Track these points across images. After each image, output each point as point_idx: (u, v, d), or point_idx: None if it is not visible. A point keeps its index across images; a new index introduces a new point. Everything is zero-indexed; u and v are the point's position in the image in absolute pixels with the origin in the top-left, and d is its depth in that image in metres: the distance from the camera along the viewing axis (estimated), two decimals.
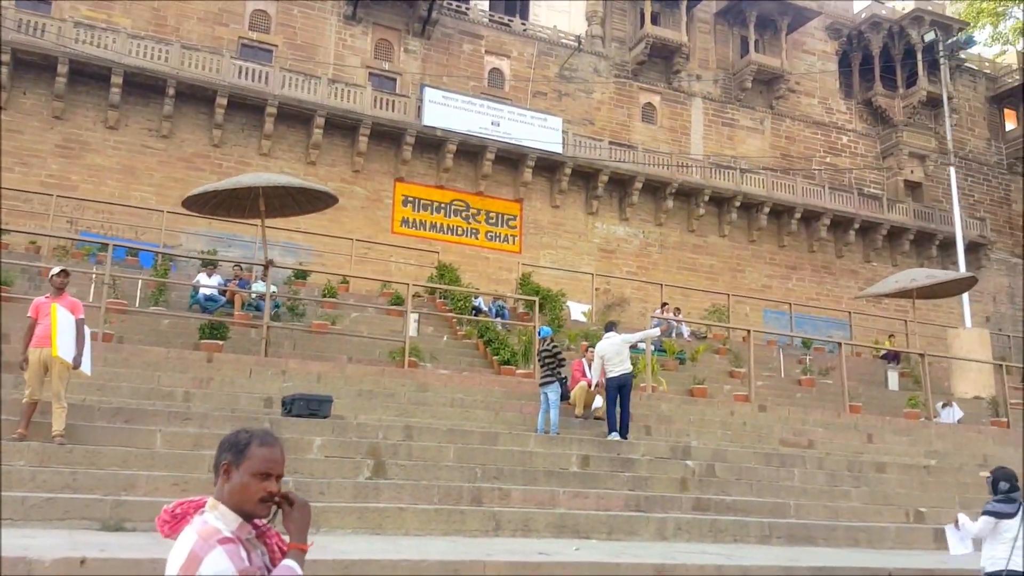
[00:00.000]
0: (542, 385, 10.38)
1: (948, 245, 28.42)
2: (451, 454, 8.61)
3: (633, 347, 15.10)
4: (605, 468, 9.16)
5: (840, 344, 15.98)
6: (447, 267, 18.77)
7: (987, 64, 35.73)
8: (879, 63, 31.76)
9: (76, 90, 20.75)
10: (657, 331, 11.63)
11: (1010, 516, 5.28)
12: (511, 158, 24.85)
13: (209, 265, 14.86)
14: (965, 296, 21.50)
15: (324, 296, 15.79)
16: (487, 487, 8.03)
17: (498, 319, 16.70)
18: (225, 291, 14.07)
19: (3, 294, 11.25)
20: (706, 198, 27.12)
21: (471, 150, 24.34)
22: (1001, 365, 16.37)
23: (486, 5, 27.34)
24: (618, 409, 10.16)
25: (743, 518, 8.46)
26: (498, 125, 24.13)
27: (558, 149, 24.82)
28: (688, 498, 8.78)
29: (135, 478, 6.94)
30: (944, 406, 15.96)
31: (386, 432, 8.88)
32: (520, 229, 25.35)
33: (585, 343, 13.36)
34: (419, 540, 6.71)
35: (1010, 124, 34.83)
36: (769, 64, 29.62)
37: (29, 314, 7.51)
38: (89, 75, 20.60)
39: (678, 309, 21.49)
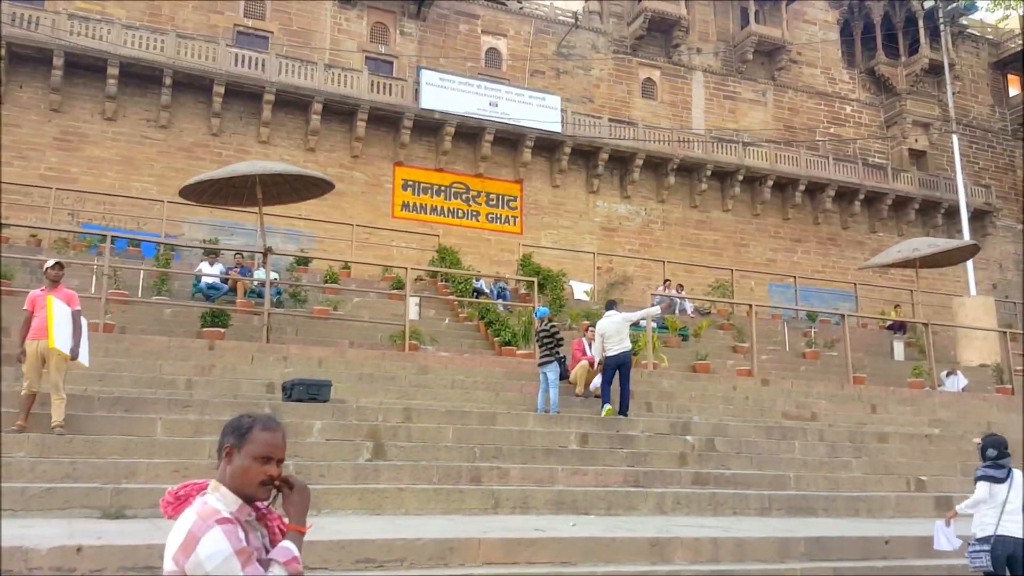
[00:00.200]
0: (541, 365, 10.42)
1: (953, 213, 28.22)
2: (450, 434, 8.66)
3: (635, 325, 15.19)
4: (604, 445, 9.19)
5: (843, 316, 15.93)
6: (448, 250, 18.79)
7: (989, 30, 35.27)
8: (881, 31, 31.40)
9: (73, 82, 20.75)
10: (657, 309, 11.62)
11: (1000, 481, 5.28)
12: (510, 139, 24.76)
13: (211, 254, 14.92)
14: (969, 264, 21.38)
15: (326, 282, 15.84)
16: (486, 466, 8.07)
17: (499, 300, 16.73)
18: (227, 279, 14.14)
19: (4, 288, 11.32)
20: (708, 173, 26.97)
21: (470, 132, 24.26)
22: (1005, 332, 16.29)
23: None
24: (617, 387, 10.16)
25: (743, 491, 8.48)
26: (496, 106, 24.02)
27: (557, 128, 24.70)
28: (687, 472, 8.80)
29: (135, 466, 7.00)
30: (949, 375, 15.94)
31: (386, 414, 8.94)
32: (521, 210, 25.30)
33: (586, 322, 13.38)
34: (418, 519, 6.76)
35: (1014, 90, 34.44)
36: (770, 35, 29.34)
37: (25, 307, 7.57)
38: (85, 67, 20.58)
39: (681, 286, 21.44)
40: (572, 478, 8.25)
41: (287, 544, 2.10)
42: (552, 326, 10.73)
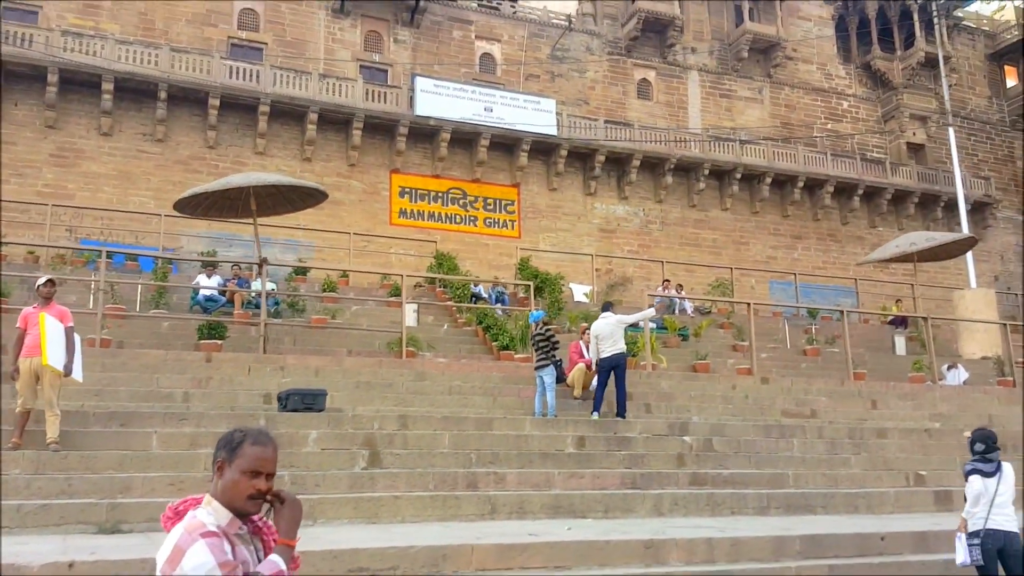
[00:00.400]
0: (537, 369, 10.41)
1: (953, 206, 28.10)
2: (446, 441, 8.66)
3: (634, 326, 15.17)
4: (601, 447, 9.18)
5: (843, 312, 15.90)
6: (445, 256, 18.81)
7: (985, 21, 35.23)
8: (876, 26, 31.39)
9: (68, 98, 20.83)
10: (652, 311, 11.59)
11: (990, 475, 5.26)
12: (506, 143, 24.78)
13: (208, 266, 14.96)
14: (969, 256, 21.33)
15: (324, 291, 15.86)
16: (482, 472, 8.06)
17: (498, 305, 16.74)
18: (225, 291, 14.17)
19: (2, 305, 11.35)
20: (706, 172, 26.96)
21: (465, 137, 24.29)
22: (1005, 325, 16.24)
23: None
24: (613, 389, 10.15)
25: (741, 490, 8.46)
26: (491, 111, 24.05)
27: (553, 131, 24.71)
28: (685, 473, 8.79)
29: (131, 480, 7.01)
30: (950, 368, 15.90)
31: (382, 422, 8.94)
32: (518, 214, 25.32)
33: (584, 324, 13.36)
34: (413, 527, 6.76)
35: (1011, 81, 34.37)
36: (765, 32, 29.33)
37: (18, 324, 7.59)
38: (80, 83, 20.65)
39: (680, 286, 21.43)
40: (569, 481, 8.24)
41: (274, 557, 2.13)
42: (547, 329, 10.72)
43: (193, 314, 13.41)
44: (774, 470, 9.27)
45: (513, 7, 27.23)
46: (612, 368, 10.19)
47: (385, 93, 23.51)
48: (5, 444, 7.11)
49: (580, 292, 20.95)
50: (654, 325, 15.85)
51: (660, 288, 20.51)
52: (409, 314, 14.83)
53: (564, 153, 25.17)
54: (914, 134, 31.24)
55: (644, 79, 28.44)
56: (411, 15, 25.18)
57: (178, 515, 2.14)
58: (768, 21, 29.73)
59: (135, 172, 21.44)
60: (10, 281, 12.85)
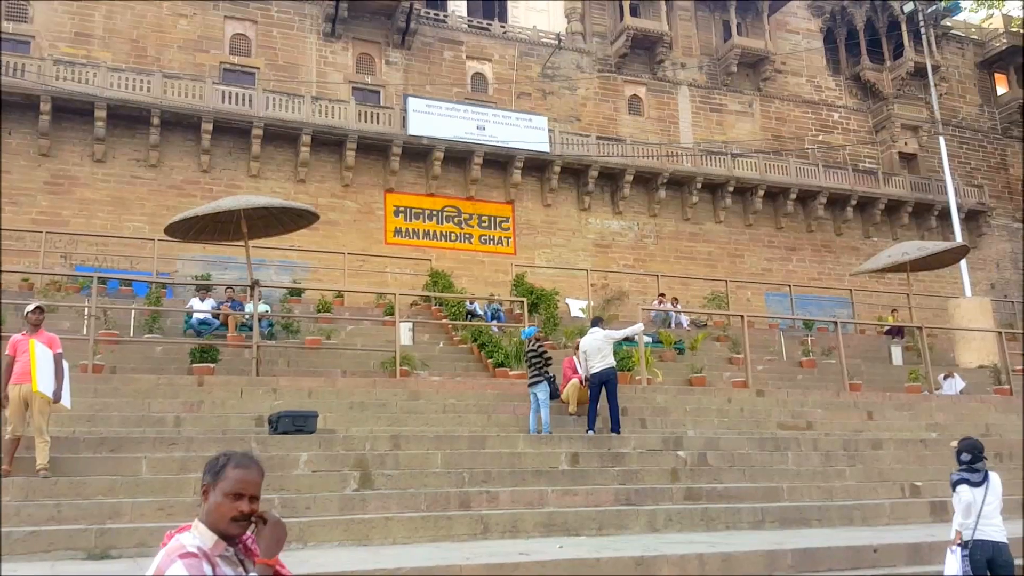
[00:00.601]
0: (530, 385, 10.40)
1: (947, 215, 28.14)
2: (439, 460, 8.62)
3: (629, 340, 15.13)
4: (595, 464, 9.14)
5: (836, 323, 15.89)
6: (440, 274, 18.84)
7: (974, 30, 35.48)
8: (864, 37, 31.62)
9: (61, 126, 20.92)
10: (640, 326, 11.56)
11: (976, 484, 5.24)
12: (499, 161, 24.88)
13: (202, 289, 14.98)
14: (963, 265, 21.36)
15: (318, 311, 15.85)
16: (475, 491, 8.03)
17: (494, 322, 16.74)
18: (219, 314, 14.17)
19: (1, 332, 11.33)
20: (699, 185, 27.04)
21: (459, 156, 24.40)
22: (1000, 333, 16.24)
23: (464, 11, 27.39)
24: (605, 405, 10.13)
25: (735, 505, 8.43)
26: (484, 129, 24.17)
27: (545, 148, 24.82)
28: (679, 488, 8.75)
29: (120, 506, 6.99)
30: (946, 377, 15.86)
31: (374, 443, 8.90)
32: (513, 230, 25.37)
33: (579, 340, 13.34)
34: (404, 548, 6.72)
35: (1001, 88, 34.56)
36: (753, 47, 29.53)
37: (7, 352, 7.59)
38: (73, 111, 20.75)
39: (676, 299, 21.44)
40: (563, 499, 8.21)
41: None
42: (539, 345, 10.71)
43: (187, 338, 13.40)
44: (769, 483, 9.23)
45: (503, 27, 27.43)
46: (602, 383, 10.16)
47: (378, 114, 23.63)
48: None
49: (576, 307, 20.94)
50: (649, 339, 15.84)
51: (655, 302, 20.52)
52: (404, 333, 14.83)
53: (557, 169, 25.27)
54: (906, 144, 31.38)
55: (635, 95, 28.60)
56: (402, 37, 25.35)
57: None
58: (756, 35, 29.95)
59: (129, 198, 21.50)
60: (4, 309, 12.83)
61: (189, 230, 12.70)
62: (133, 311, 14.16)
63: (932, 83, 25.91)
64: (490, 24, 27.23)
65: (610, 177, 26.38)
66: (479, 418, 10.73)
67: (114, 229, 20.45)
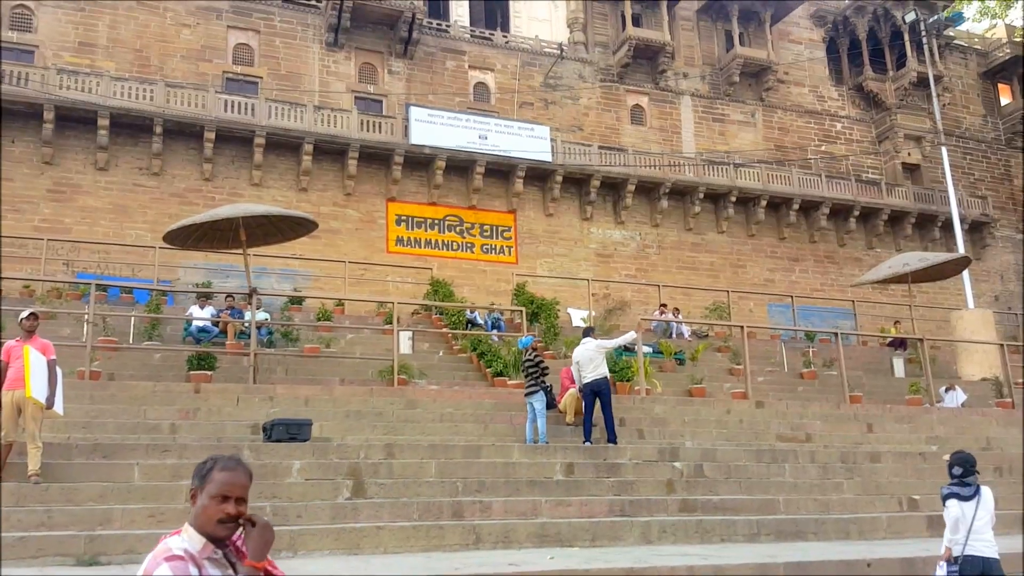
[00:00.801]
0: (527, 395, 10.37)
1: (950, 226, 28.08)
2: (432, 469, 8.59)
3: (628, 350, 15.08)
4: (590, 474, 9.10)
5: (837, 334, 15.82)
6: (440, 283, 18.83)
7: (977, 40, 35.44)
8: (867, 47, 31.59)
9: (64, 135, 20.99)
10: (633, 334, 11.49)
11: (967, 499, 5.19)
12: (501, 170, 24.90)
13: (202, 297, 14.99)
14: (966, 276, 21.26)
15: (318, 320, 15.85)
16: (468, 500, 8.00)
17: (494, 331, 16.71)
18: (218, 322, 14.18)
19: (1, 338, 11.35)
20: (701, 195, 27.01)
21: (461, 165, 24.42)
22: (1002, 345, 16.15)
23: (467, 21, 27.47)
24: (600, 415, 10.09)
25: (731, 517, 8.38)
26: (486, 138, 24.20)
27: (547, 158, 24.84)
28: (674, 500, 8.71)
29: (111, 512, 6.98)
30: (947, 390, 15.77)
31: (368, 451, 8.88)
32: (515, 240, 25.37)
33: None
34: (394, 558, 6.69)
35: (1005, 99, 34.50)
36: (755, 56, 29.54)
37: (1, 357, 7.60)
38: (76, 119, 20.83)
39: (677, 309, 21.40)
40: (556, 510, 8.17)
41: None
42: (536, 355, 10.68)
43: (185, 345, 13.40)
44: (765, 496, 9.18)
45: (506, 37, 27.51)
46: (595, 393, 10.13)
47: (380, 123, 23.69)
48: None
49: (578, 317, 20.91)
50: (649, 349, 15.79)
51: (657, 312, 20.48)
52: (404, 341, 14.82)
53: (559, 179, 25.27)
54: (909, 154, 31.32)
55: (637, 105, 28.62)
56: (405, 47, 25.44)
57: None
58: (758, 45, 29.97)
59: (131, 205, 21.56)
60: (4, 315, 12.84)
61: (188, 238, 12.72)
62: (133, 318, 14.18)
63: (935, 93, 25.87)
64: (492, 34, 27.31)
65: (612, 187, 26.38)
66: (475, 427, 10.70)
67: (116, 237, 20.49)
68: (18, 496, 6.96)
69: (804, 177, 28.54)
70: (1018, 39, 31.54)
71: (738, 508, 8.71)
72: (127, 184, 21.64)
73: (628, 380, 13.56)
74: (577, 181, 25.97)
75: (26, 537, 6.32)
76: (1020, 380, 16.18)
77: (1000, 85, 34.53)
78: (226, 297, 15.30)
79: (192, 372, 11.76)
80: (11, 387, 7.38)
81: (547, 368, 10.63)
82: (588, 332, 10.94)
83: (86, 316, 12.37)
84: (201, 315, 14.22)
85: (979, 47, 35.01)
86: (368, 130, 23.37)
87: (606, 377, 10.30)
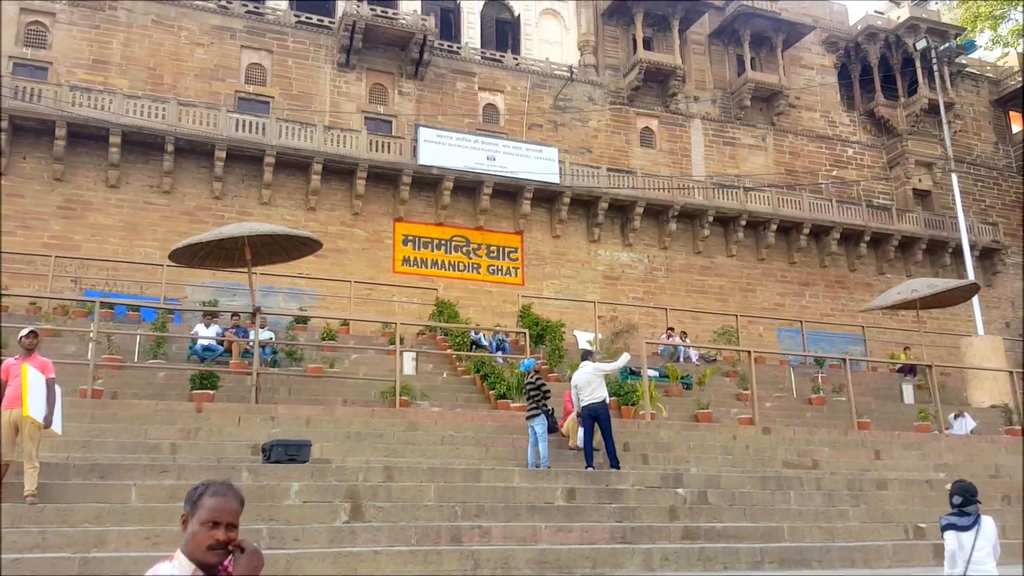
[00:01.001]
0: (528, 418, 10.27)
1: (961, 252, 27.92)
2: (431, 493, 8.50)
3: (634, 373, 14.97)
4: (592, 500, 8.98)
5: (845, 360, 15.67)
6: (446, 304, 18.79)
7: (989, 68, 35.44)
8: (879, 73, 31.64)
9: (75, 152, 21.17)
10: (627, 356, 11.33)
11: (965, 528, 5.08)
12: (509, 191, 24.94)
13: (207, 315, 15.00)
14: (976, 302, 21.08)
15: (323, 339, 15.83)
16: (467, 525, 7.90)
17: (498, 353, 16.64)
18: (223, 340, 14.18)
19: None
20: (710, 219, 26.96)
21: (468, 186, 24.48)
22: (1011, 372, 15.95)
23: (478, 43, 27.65)
24: (600, 439, 9.98)
25: (734, 544, 8.25)
26: (494, 159, 24.27)
27: (555, 179, 24.87)
28: (677, 527, 8.58)
29: (106, 534, 6.91)
30: (956, 417, 15.58)
31: (367, 474, 8.79)
32: (522, 261, 25.35)
33: None
34: None
35: (1016, 127, 34.40)
36: (767, 81, 29.60)
37: None
38: (88, 136, 21.02)
39: (685, 333, 21.27)
40: (556, 536, 8.06)
41: None
42: (538, 378, 10.60)
43: (190, 364, 13.38)
44: (770, 523, 9.04)
45: (516, 59, 27.65)
46: (594, 417, 10.02)
47: (389, 143, 23.81)
48: None
49: (584, 340, 20.79)
50: (655, 373, 15.68)
51: (664, 336, 20.36)
52: (408, 362, 14.77)
53: (567, 200, 25.28)
54: (920, 180, 31.23)
55: (647, 127, 28.67)
56: (415, 68, 25.61)
57: None
58: (770, 70, 30.03)
59: (141, 223, 21.67)
60: (9, 332, 12.86)
61: (194, 256, 12.76)
62: (138, 336, 14.19)
63: (946, 120, 25.81)
64: (503, 56, 27.46)
65: (620, 209, 26.36)
66: (476, 450, 10.60)
67: (126, 254, 20.59)
68: (13, 517, 6.90)
69: (815, 202, 28.47)
70: None
71: (742, 536, 8.57)
72: (138, 202, 21.78)
73: (633, 404, 13.44)
74: (585, 203, 25.98)
75: (20, 559, 6.26)
76: None
77: (1012, 113, 34.47)
78: (232, 316, 15.31)
79: (195, 391, 11.72)
80: (9, 406, 7.33)
81: (548, 391, 10.54)
82: (586, 355, 10.86)
83: (90, 334, 12.39)
84: (206, 334, 14.22)
85: (991, 75, 35.00)
86: (377, 150, 23.48)
87: (604, 401, 10.19)
